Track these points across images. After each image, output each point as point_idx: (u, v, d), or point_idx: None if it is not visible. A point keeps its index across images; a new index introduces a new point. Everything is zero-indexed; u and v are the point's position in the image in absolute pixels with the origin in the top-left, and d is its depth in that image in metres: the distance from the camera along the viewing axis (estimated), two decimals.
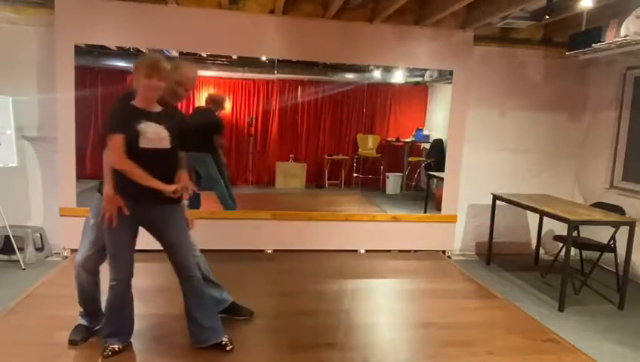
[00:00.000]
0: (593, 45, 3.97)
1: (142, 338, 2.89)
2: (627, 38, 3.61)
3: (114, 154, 2.47)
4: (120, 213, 2.52)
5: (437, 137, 6.11)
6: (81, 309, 2.88)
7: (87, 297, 2.83)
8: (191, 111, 5.63)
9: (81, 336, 2.82)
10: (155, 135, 2.51)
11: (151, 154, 2.50)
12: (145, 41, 4.47)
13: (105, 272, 2.70)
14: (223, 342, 2.79)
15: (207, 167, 5.08)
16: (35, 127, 4.52)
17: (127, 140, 2.46)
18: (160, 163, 2.53)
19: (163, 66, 2.52)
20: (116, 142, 2.46)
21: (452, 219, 5.14)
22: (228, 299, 3.18)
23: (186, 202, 2.69)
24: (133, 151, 2.46)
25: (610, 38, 3.85)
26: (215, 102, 5.60)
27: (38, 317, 3.16)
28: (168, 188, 2.50)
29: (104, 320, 2.73)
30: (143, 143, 2.48)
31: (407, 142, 6.57)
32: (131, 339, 2.79)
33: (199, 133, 5.00)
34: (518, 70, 5.20)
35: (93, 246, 2.71)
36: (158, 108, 2.60)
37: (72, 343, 2.79)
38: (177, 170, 2.64)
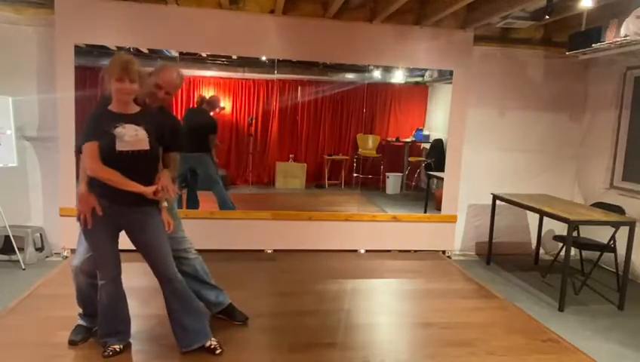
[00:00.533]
0: (593, 45, 3.97)
1: (141, 339, 2.89)
2: (627, 38, 3.62)
3: (89, 163, 2.41)
4: (96, 213, 2.48)
5: (437, 137, 6.11)
6: (81, 310, 2.88)
7: (86, 299, 2.82)
8: (184, 112, 5.69)
9: (80, 336, 2.82)
10: (132, 137, 2.45)
11: (129, 156, 2.44)
12: (145, 41, 4.47)
13: None
14: (212, 346, 2.75)
15: (206, 167, 5.09)
16: (35, 127, 4.52)
17: (103, 145, 2.41)
18: (139, 165, 2.48)
19: (133, 67, 2.43)
20: (90, 149, 2.41)
21: (452, 219, 5.14)
22: (224, 302, 3.16)
23: (165, 203, 2.63)
24: (111, 155, 2.41)
25: (610, 38, 3.85)
26: (208, 102, 5.67)
27: (38, 317, 3.16)
28: (148, 191, 2.45)
29: (98, 321, 2.72)
30: (120, 146, 2.42)
31: (407, 142, 6.57)
32: (130, 340, 2.79)
33: (195, 133, 5.02)
34: (518, 70, 5.20)
35: (88, 250, 2.69)
36: (135, 110, 2.55)
37: (72, 343, 2.79)
38: (157, 171, 2.57)
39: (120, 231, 2.62)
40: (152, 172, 2.56)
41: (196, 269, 3.03)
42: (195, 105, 5.79)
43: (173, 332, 2.74)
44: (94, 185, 2.48)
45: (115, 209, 2.51)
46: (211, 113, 5.59)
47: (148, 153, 2.50)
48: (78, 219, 2.53)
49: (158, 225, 2.62)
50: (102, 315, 2.68)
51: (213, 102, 5.79)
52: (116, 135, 2.42)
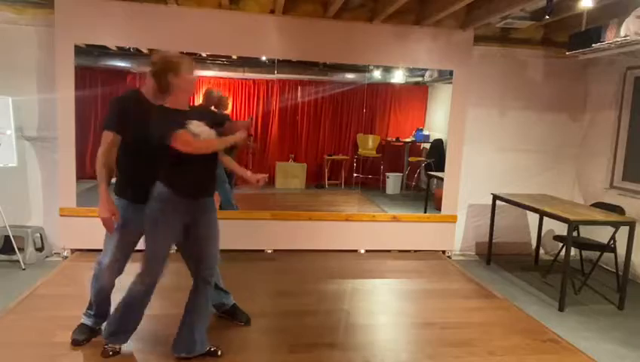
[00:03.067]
0: (593, 45, 3.97)
1: (142, 339, 2.88)
2: (627, 38, 3.62)
3: (189, 147, 2.35)
4: (169, 213, 2.45)
5: (437, 137, 6.12)
6: (89, 310, 2.84)
7: (104, 298, 2.78)
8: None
9: (84, 336, 2.80)
10: (206, 133, 2.44)
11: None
12: (145, 41, 4.47)
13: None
14: (213, 349, 2.73)
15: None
16: (35, 127, 4.51)
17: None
18: (210, 156, 2.49)
19: None
20: (183, 136, 2.34)
21: (452, 219, 5.14)
22: (228, 303, 3.18)
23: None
24: (184, 153, 2.35)
25: (610, 38, 3.85)
26: (218, 102, 5.70)
27: (38, 317, 3.16)
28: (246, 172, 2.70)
29: (110, 318, 2.70)
30: None
31: (407, 142, 6.58)
32: (131, 340, 2.77)
33: None
34: (518, 70, 5.20)
35: (119, 250, 2.65)
36: (186, 107, 2.54)
37: (75, 343, 2.77)
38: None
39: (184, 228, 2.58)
40: (217, 161, 2.62)
41: None
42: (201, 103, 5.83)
43: (177, 333, 2.70)
44: (172, 183, 2.44)
45: (188, 202, 2.49)
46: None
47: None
48: (103, 224, 2.54)
49: (213, 222, 2.64)
50: (117, 312, 2.64)
51: (222, 103, 5.84)
52: (192, 132, 2.37)
